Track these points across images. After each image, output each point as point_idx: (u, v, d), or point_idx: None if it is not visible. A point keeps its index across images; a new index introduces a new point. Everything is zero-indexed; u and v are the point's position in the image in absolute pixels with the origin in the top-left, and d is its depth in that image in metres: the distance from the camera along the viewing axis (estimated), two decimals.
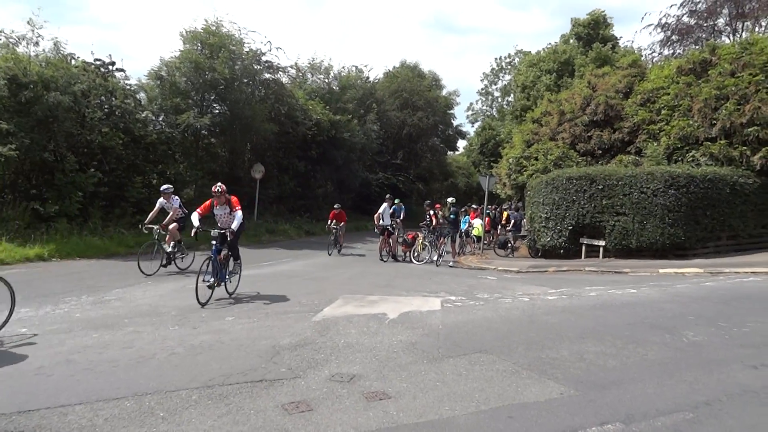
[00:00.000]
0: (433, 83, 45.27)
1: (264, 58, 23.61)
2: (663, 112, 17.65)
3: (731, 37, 28.61)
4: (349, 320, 7.00)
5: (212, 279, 8.23)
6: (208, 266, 8.29)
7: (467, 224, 19.04)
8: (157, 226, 11.34)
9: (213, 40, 21.32)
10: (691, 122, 16.56)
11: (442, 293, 9.44)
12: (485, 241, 19.27)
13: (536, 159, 19.85)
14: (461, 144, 54.65)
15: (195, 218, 8.58)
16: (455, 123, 49.00)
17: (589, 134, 19.41)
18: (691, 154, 16.31)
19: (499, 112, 51.88)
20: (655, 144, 17.21)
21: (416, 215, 32.02)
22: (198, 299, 7.86)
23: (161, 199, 11.81)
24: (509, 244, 18.47)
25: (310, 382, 4.60)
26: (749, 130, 15.29)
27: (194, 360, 5.22)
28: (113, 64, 19.62)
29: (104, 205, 17.45)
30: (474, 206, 22.81)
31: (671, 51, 30.36)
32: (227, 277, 8.69)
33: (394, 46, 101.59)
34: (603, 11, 35.45)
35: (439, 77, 47.23)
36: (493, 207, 24.13)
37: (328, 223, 16.86)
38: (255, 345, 5.75)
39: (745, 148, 15.48)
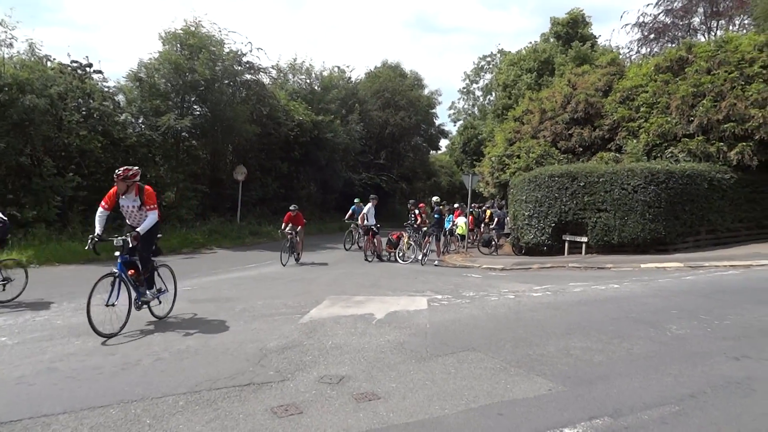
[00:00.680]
0: (415, 83, 45.33)
1: (245, 59, 23.38)
2: (642, 109, 17.94)
3: (707, 36, 29.23)
4: (336, 321, 6.97)
5: (113, 301, 6.22)
6: (113, 287, 6.29)
7: (451, 223, 19.12)
8: None
9: (193, 41, 21.05)
10: (669, 119, 16.84)
11: (428, 292, 9.46)
12: (469, 240, 19.36)
13: (518, 157, 19.99)
14: (444, 143, 54.89)
15: (99, 218, 6.58)
16: (437, 122, 49.17)
17: (570, 132, 19.62)
18: (669, 150, 16.59)
19: (480, 111, 52.17)
20: (635, 141, 17.47)
21: (400, 215, 32.06)
22: (94, 328, 5.95)
23: None
24: (493, 242, 18.57)
25: (299, 385, 4.56)
26: (725, 126, 15.61)
27: (180, 365, 5.15)
28: (91, 65, 19.27)
29: (83, 210, 17.10)
30: (456, 205, 22.90)
31: (648, 49, 30.94)
32: (151, 297, 6.92)
33: (375, 46, 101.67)
34: (581, 10, 35.85)
35: (421, 77, 47.35)
36: (477, 205, 24.24)
37: (282, 227, 14.51)
38: (242, 348, 5.70)
39: (721, 144, 15.80)
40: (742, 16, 28.09)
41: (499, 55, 51.21)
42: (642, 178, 14.65)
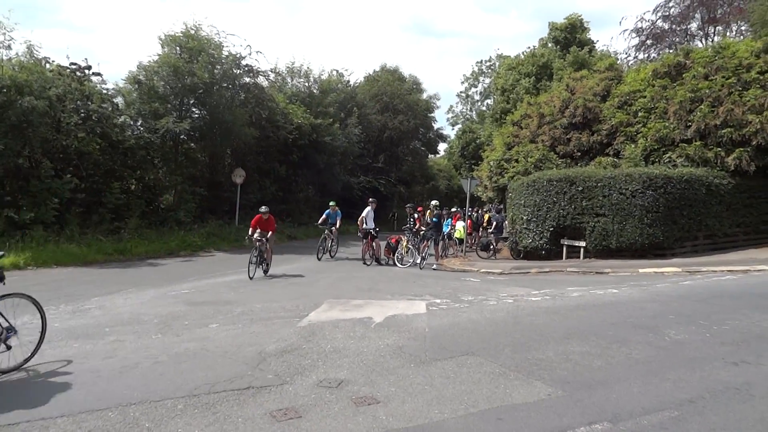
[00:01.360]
0: (414, 87, 45.48)
1: (244, 62, 23.42)
2: (640, 114, 17.99)
3: (704, 42, 29.38)
4: (335, 325, 6.97)
5: None
6: None
7: (450, 227, 19.12)
8: None
9: (192, 44, 21.08)
10: (667, 124, 16.90)
11: (426, 296, 9.45)
12: (467, 244, 19.38)
13: (517, 161, 20.04)
14: (442, 147, 55.06)
15: None
16: (436, 126, 49.28)
17: (568, 136, 19.68)
18: (667, 155, 16.64)
19: (479, 115, 52.34)
20: (633, 146, 17.52)
21: (399, 218, 32.05)
22: None
23: None
24: (491, 246, 18.57)
25: (298, 389, 4.55)
26: (723, 131, 15.67)
27: (179, 368, 5.14)
28: (89, 68, 19.27)
29: (81, 212, 17.11)
30: (453, 209, 22.93)
31: (646, 55, 31.07)
32: None
33: (374, 50, 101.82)
34: (580, 15, 36.07)
35: (420, 81, 47.53)
36: (475, 209, 24.27)
37: (249, 232, 12.69)
38: (240, 352, 5.69)
39: (719, 149, 15.84)
40: (739, 22, 28.23)
41: (497, 60, 51.39)
42: (640, 183, 14.68)
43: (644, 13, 45.00)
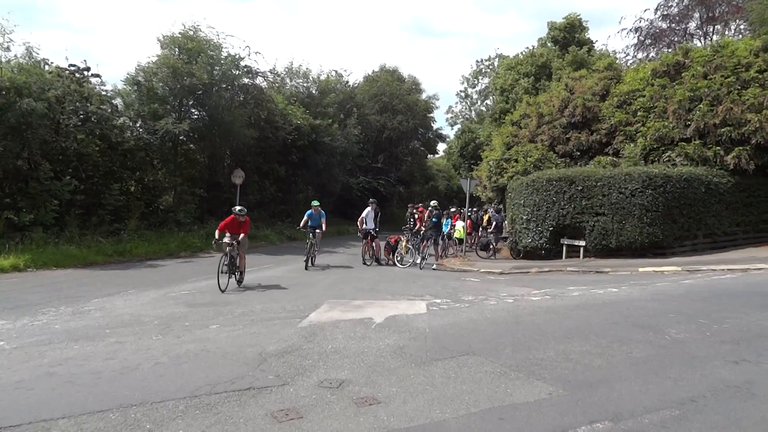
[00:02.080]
0: (413, 87, 45.49)
1: (243, 63, 23.45)
2: (639, 113, 17.99)
3: (702, 41, 29.39)
4: (335, 325, 6.97)
5: None
6: None
7: (449, 227, 19.12)
8: None
9: (191, 44, 21.09)
10: (666, 123, 16.90)
11: (427, 296, 9.45)
12: (467, 244, 19.37)
13: (516, 161, 20.03)
14: (441, 147, 55.04)
15: None
16: (435, 126, 49.32)
17: (567, 136, 19.68)
18: (666, 154, 16.64)
19: (478, 115, 52.32)
20: (632, 145, 17.52)
21: (398, 219, 32.08)
22: None
23: None
24: (491, 246, 18.56)
25: (299, 389, 4.55)
26: (722, 130, 15.67)
27: (179, 369, 5.14)
28: (88, 69, 19.29)
29: (81, 214, 17.11)
30: (453, 209, 22.94)
31: (645, 54, 31.07)
32: None
33: (373, 51, 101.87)
34: (578, 15, 35.98)
35: (419, 81, 47.54)
36: (475, 209, 24.26)
37: (216, 235, 10.75)
38: (241, 353, 5.68)
39: (718, 148, 15.85)
40: (737, 21, 28.25)
41: (496, 60, 51.38)
42: (639, 182, 14.69)
43: (644, 12, 44.94)
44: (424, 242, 15.44)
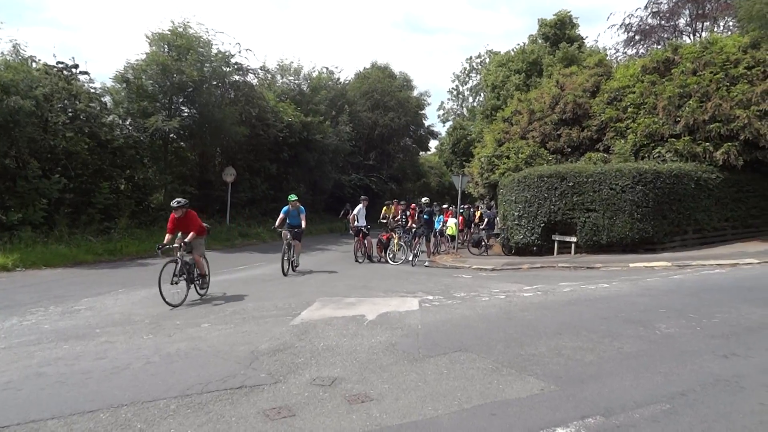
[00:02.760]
0: (404, 84, 45.42)
1: (233, 60, 23.26)
2: (629, 110, 18.10)
3: (692, 37, 29.57)
4: (327, 323, 6.95)
5: None
6: None
7: (441, 224, 19.16)
8: None
9: (180, 41, 20.88)
10: (656, 119, 17.01)
11: (419, 293, 9.46)
12: (459, 240, 19.41)
13: (507, 158, 20.08)
14: (433, 144, 55.02)
15: None
16: (427, 123, 49.30)
17: (558, 132, 19.75)
18: (656, 150, 16.75)
19: (469, 112, 52.37)
20: (623, 141, 17.63)
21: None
22: None
23: None
24: (483, 243, 18.64)
25: (291, 387, 4.54)
26: (711, 126, 15.79)
27: (171, 368, 5.11)
28: (77, 66, 19.08)
29: (70, 212, 16.94)
30: (445, 206, 22.99)
31: (635, 51, 31.22)
32: None
33: (364, 47, 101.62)
34: (569, 12, 36.04)
35: (410, 78, 47.48)
36: (467, 206, 24.32)
37: (166, 239, 9.30)
38: (233, 351, 5.66)
39: (707, 144, 15.98)
40: (726, 17, 28.44)
41: (487, 56, 51.43)
42: (630, 178, 14.78)
43: (636, 10, 45.05)
44: (416, 239, 15.45)
